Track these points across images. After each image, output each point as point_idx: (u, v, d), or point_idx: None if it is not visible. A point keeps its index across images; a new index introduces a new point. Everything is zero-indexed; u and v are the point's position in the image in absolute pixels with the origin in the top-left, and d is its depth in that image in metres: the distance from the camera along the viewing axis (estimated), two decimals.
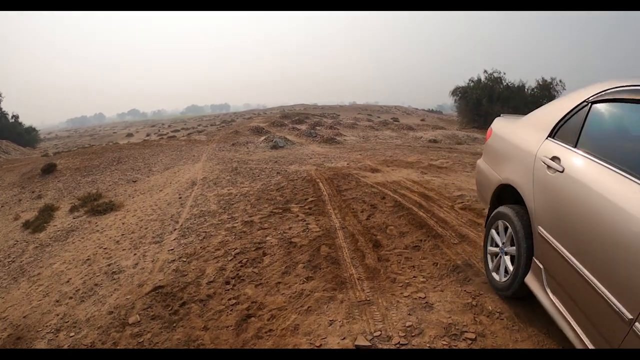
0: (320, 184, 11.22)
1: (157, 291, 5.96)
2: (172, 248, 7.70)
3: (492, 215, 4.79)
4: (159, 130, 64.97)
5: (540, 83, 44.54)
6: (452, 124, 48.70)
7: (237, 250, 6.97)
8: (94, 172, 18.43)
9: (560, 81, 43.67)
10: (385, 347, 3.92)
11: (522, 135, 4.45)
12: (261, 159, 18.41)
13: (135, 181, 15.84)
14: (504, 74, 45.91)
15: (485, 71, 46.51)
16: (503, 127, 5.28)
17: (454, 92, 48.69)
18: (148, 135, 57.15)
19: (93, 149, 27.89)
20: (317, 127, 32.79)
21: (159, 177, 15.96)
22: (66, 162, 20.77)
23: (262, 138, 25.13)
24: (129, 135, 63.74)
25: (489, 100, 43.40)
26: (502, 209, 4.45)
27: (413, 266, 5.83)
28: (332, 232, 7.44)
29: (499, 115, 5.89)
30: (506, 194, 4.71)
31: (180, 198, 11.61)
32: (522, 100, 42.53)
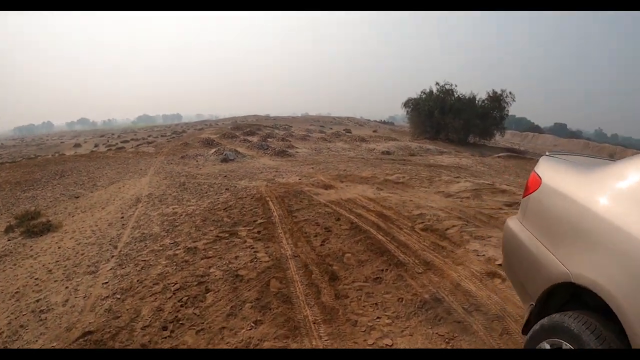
0: (270, 203, 10.48)
1: (85, 338, 5.05)
2: (106, 281, 6.78)
3: (542, 325, 2.87)
4: (108, 141, 62.64)
5: (491, 95, 45.47)
6: (404, 135, 48.81)
7: (177, 286, 6.16)
8: (35, 186, 17.08)
9: (510, 93, 44.76)
10: None
11: (624, 205, 2.60)
12: (210, 173, 17.52)
13: (77, 197, 14.65)
14: (455, 86, 46.59)
15: (437, 83, 47.17)
16: (565, 177, 3.28)
17: (406, 104, 49.22)
18: (96, 146, 54.93)
19: (36, 160, 26.39)
20: (269, 139, 32.06)
21: (103, 192, 14.87)
22: (6, 176, 19.28)
23: (213, 150, 24.23)
24: (77, 145, 61.17)
25: (440, 111, 43.85)
26: (566, 320, 2.62)
27: (376, 304, 5.21)
28: (283, 262, 6.71)
29: (545, 154, 3.98)
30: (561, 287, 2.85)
31: (122, 218, 10.65)
32: (473, 112, 43.35)
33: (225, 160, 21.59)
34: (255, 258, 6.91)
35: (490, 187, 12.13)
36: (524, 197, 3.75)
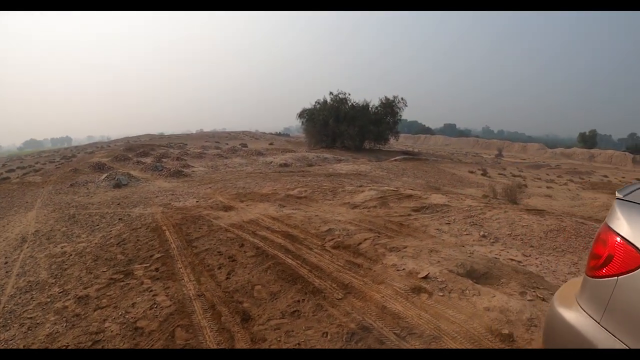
0: (167, 232, 9.69)
1: None
2: None
3: None
4: None
5: (384, 101, 46.72)
6: (300, 145, 48.86)
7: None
8: None
9: (402, 98, 46.34)
10: None
11: None
12: (102, 201, 16.23)
13: None
14: (349, 94, 47.33)
15: (331, 93, 47.65)
16: None
17: (301, 115, 49.34)
18: None
19: None
20: (164, 159, 30.70)
21: None
22: None
23: (104, 176, 22.63)
24: None
25: (335, 120, 44.33)
26: None
27: (298, 344, 4.70)
28: (187, 304, 6.00)
29: (617, 196, 2.49)
30: None
31: (6, 263, 9.37)
32: (368, 118, 44.23)
33: (118, 185, 20.22)
34: (155, 303, 6.12)
35: (395, 193, 12.09)
36: (593, 274, 2.38)
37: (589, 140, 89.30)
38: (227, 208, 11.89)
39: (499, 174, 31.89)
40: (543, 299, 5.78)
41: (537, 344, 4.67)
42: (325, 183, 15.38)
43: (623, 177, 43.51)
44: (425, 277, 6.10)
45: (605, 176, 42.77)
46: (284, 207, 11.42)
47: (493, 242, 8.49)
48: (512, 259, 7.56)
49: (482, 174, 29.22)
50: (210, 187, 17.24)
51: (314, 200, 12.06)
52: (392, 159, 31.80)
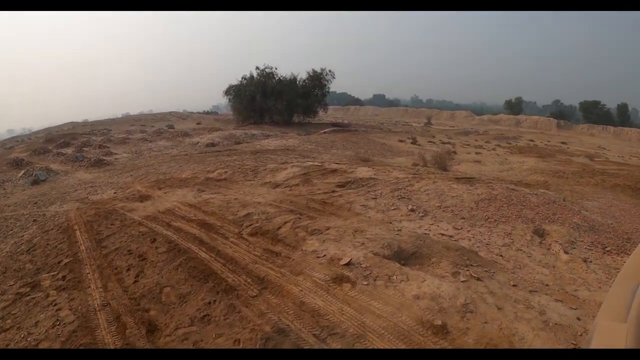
0: (78, 232, 8.63)
1: None
2: None
3: None
4: None
5: (311, 74, 45.79)
6: (228, 123, 47.43)
7: None
8: None
9: (330, 71, 45.55)
10: None
11: None
12: (19, 201, 14.64)
13: None
14: (276, 69, 46.15)
15: (257, 68, 46.25)
16: None
17: (228, 91, 47.70)
18: None
19: None
20: (85, 148, 28.74)
21: None
22: None
23: (22, 172, 20.72)
24: None
25: (262, 95, 43.12)
26: None
27: None
28: (91, 317, 5.23)
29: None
30: None
31: None
32: (295, 92, 43.31)
33: (36, 182, 18.49)
34: (58, 320, 5.29)
35: (319, 168, 11.40)
36: None
37: (515, 107, 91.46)
38: (144, 198, 10.84)
39: (429, 141, 31.82)
40: (478, 279, 5.28)
41: (473, 333, 4.11)
42: (249, 162, 14.58)
43: (548, 141, 44.62)
44: (348, 264, 5.46)
45: (532, 140, 43.57)
46: (202, 191, 10.52)
47: (422, 216, 7.98)
48: (442, 234, 7.06)
49: (412, 143, 29.05)
50: (131, 175, 16.00)
51: (235, 182, 11.23)
52: (322, 131, 31.21)
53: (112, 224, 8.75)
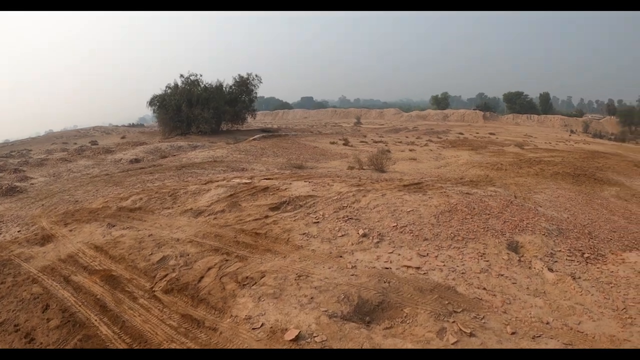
0: None
1: None
2: None
3: None
4: None
5: (237, 80, 44.16)
6: (154, 135, 45.10)
7: None
8: None
9: (257, 75, 44.08)
10: None
11: None
12: None
13: None
14: (201, 76, 44.15)
15: (182, 75, 44.08)
16: None
17: (152, 102, 45.18)
18: None
19: None
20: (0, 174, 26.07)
21: None
22: None
23: None
24: None
25: (188, 104, 41.05)
26: None
27: None
28: None
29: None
30: None
31: None
32: (222, 99, 41.56)
33: None
34: None
35: (248, 187, 9.84)
36: None
37: (441, 101, 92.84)
38: (47, 239, 8.86)
39: (361, 141, 30.96)
40: (470, 334, 4.06)
41: None
42: (171, 181, 12.82)
43: (477, 133, 44.86)
44: (297, 339, 4.00)
45: (461, 133, 43.60)
46: (113, 226, 8.74)
47: (378, 242, 6.64)
48: (407, 266, 5.77)
49: (344, 144, 28.12)
50: (42, 205, 13.79)
51: (150, 212, 9.47)
52: (251, 138, 29.74)
53: (2, 283, 6.88)
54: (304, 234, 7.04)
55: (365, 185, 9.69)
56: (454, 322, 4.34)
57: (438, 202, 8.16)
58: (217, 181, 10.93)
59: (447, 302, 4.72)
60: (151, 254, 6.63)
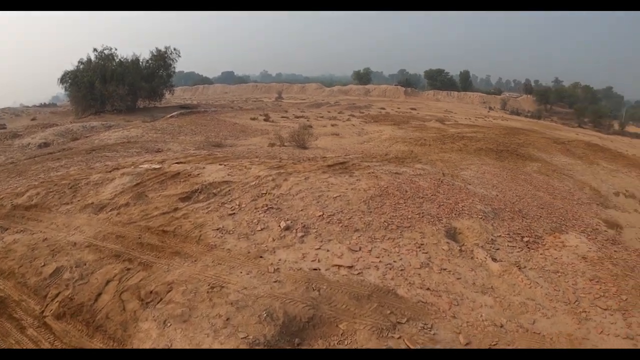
0: None
1: None
2: None
3: None
4: None
5: (155, 54, 41.79)
6: (67, 115, 42.24)
7: None
8: None
9: (175, 49, 41.91)
10: None
11: None
12: None
13: None
14: (116, 49, 41.37)
15: (95, 49, 41.13)
16: None
17: (63, 79, 41.94)
18: None
19: None
20: None
21: None
22: None
23: None
24: None
25: (102, 81, 38.45)
26: None
27: None
28: None
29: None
30: None
31: None
32: (139, 74, 39.20)
33: None
34: None
35: (156, 173, 8.68)
36: None
37: (363, 77, 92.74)
38: None
39: (282, 117, 30.05)
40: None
41: None
42: (75, 168, 11.49)
43: (399, 108, 44.93)
44: None
45: (383, 108, 43.52)
46: (5, 230, 7.41)
47: (303, 235, 5.83)
48: (339, 265, 5.04)
49: (265, 120, 27.14)
50: None
51: (47, 209, 8.15)
52: (168, 116, 28.23)
53: None
54: (218, 229, 6.10)
55: (286, 167, 8.80)
56: (399, 337, 3.73)
57: (367, 184, 7.47)
58: (124, 168, 9.60)
59: (388, 311, 4.09)
60: (44, 265, 5.56)
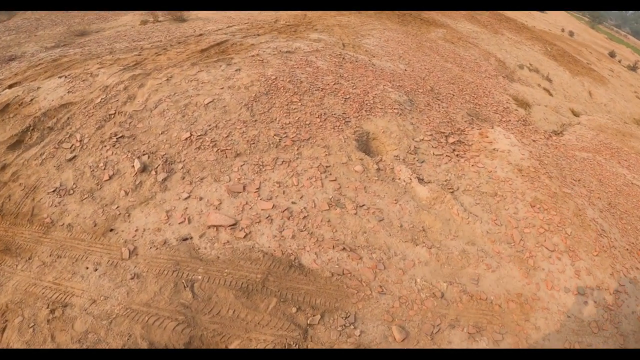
0: None
1: None
2: None
3: None
4: None
5: None
6: None
7: None
8: None
9: None
10: None
11: None
12: None
13: None
14: None
15: None
16: None
17: None
18: None
19: None
20: None
21: None
22: None
23: None
24: None
25: None
26: None
27: None
28: None
29: None
30: None
31: None
32: None
33: None
34: None
35: None
36: None
37: None
38: None
39: None
40: None
41: None
42: None
43: None
44: None
45: None
46: None
47: (165, 178, 4.17)
48: (217, 226, 3.56)
49: None
50: None
51: None
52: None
53: None
54: (54, 189, 4.21)
55: (145, 64, 6.62)
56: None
57: (249, 78, 5.70)
58: None
59: (294, 308, 2.88)
60: None
